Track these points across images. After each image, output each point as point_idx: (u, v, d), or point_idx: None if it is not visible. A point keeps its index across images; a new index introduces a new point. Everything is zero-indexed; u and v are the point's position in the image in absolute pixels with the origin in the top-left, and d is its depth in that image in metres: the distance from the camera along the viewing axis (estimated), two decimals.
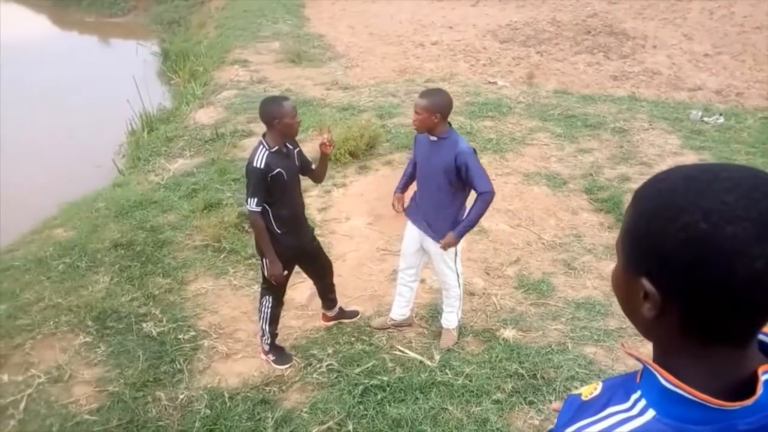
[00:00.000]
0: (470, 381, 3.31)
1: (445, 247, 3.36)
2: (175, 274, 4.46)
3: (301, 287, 4.35)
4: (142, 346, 3.76)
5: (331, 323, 3.96)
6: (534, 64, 9.73)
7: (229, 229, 4.99)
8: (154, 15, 19.37)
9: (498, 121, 7.30)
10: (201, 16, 17.60)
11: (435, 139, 3.27)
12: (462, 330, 3.81)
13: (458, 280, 3.60)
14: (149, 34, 17.27)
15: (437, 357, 3.57)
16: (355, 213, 5.35)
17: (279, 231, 3.25)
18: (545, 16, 12.99)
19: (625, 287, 0.84)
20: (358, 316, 4.01)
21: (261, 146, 3.10)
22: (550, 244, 4.85)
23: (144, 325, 3.94)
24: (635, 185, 5.59)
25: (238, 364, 3.67)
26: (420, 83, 8.97)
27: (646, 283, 0.78)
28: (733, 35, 11.33)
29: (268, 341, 3.61)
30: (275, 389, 3.43)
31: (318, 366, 3.55)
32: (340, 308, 3.97)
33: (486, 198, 3.22)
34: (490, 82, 8.92)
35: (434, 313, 4.03)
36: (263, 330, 3.59)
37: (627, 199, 5.38)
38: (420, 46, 11.34)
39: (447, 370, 3.41)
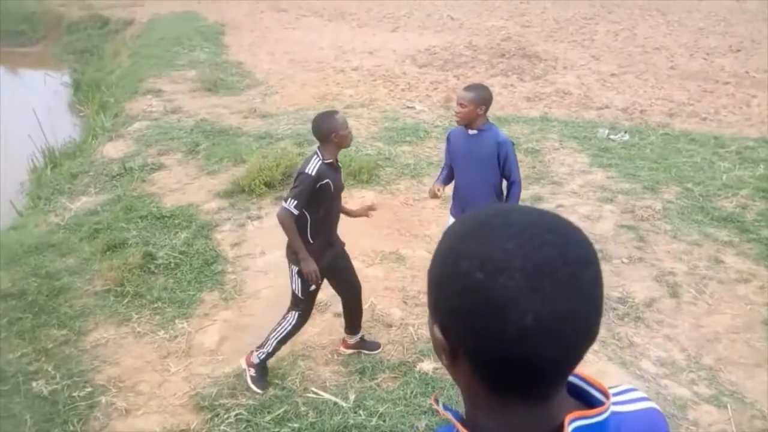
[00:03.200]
0: (384, 421, 3.20)
1: None
2: (72, 324, 4.14)
3: (210, 330, 4.14)
4: (31, 408, 3.43)
5: (350, 351, 3.83)
6: (451, 88, 9.90)
7: (134, 270, 4.70)
8: (65, 44, 18.56)
9: (416, 146, 7.34)
10: (115, 45, 16.99)
11: (475, 132, 3.48)
12: (378, 365, 3.71)
13: None
14: (60, 64, 16.54)
15: (352, 397, 3.44)
16: (271, 246, 5.17)
17: (312, 240, 3.29)
18: (462, 41, 13.33)
19: (431, 331, 0.80)
20: (380, 349, 3.86)
21: (316, 156, 3.22)
22: None
23: (34, 384, 3.61)
24: (547, 205, 5.73)
25: (139, 421, 3.41)
26: (340, 109, 8.92)
27: (437, 330, 0.75)
28: (636, 55, 12.00)
29: (263, 356, 3.50)
30: None
31: (226, 416, 3.34)
32: (362, 337, 3.87)
33: (519, 187, 3.55)
34: (408, 107, 9.00)
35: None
36: (267, 340, 3.49)
37: None
38: (341, 72, 11.34)
39: (361, 411, 3.29)
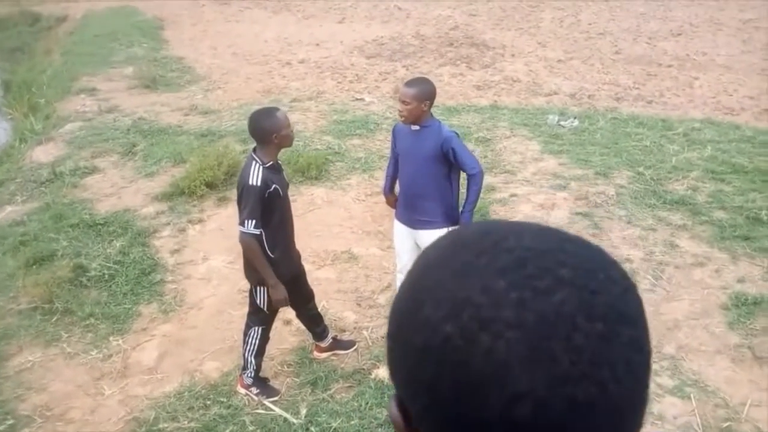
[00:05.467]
0: None
1: None
2: None
3: (148, 346, 3.83)
4: None
5: (326, 355, 3.63)
6: (400, 79, 9.69)
7: (63, 285, 4.32)
8: None
9: (366, 139, 7.11)
10: (47, 43, 16.14)
11: (418, 128, 3.29)
12: (331, 374, 3.48)
13: None
14: None
15: (303, 411, 3.21)
16: (214, 251, 4.87)
17: (272, 255, 3.05)
18: (410, 31, 13.15)
19: (389, 408, 0.55)
20: (354, 347, 3.69)
21: (254, 162, 2.93)
22: None
23: None
24: (500, 195, 5.60)
25: None
26: (286, 103, 8.60)
27: (393, 406, 0.52)
28: (581, 41, 12.07)
29: (252, 374, 3.29)
30: None
31: None
32: (334, 338, 3.66)
33: (477, 178, 3.32)
34: (357, 99, 8.75)
35: (303, 357, 3.67)
36: (247, 361, 3.27)
37: (493, 209, 5.36)
38: (286, 65, 10.99)
39: (312, 427, 3.06)
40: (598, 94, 8.90)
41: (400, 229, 3.58)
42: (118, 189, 6.03)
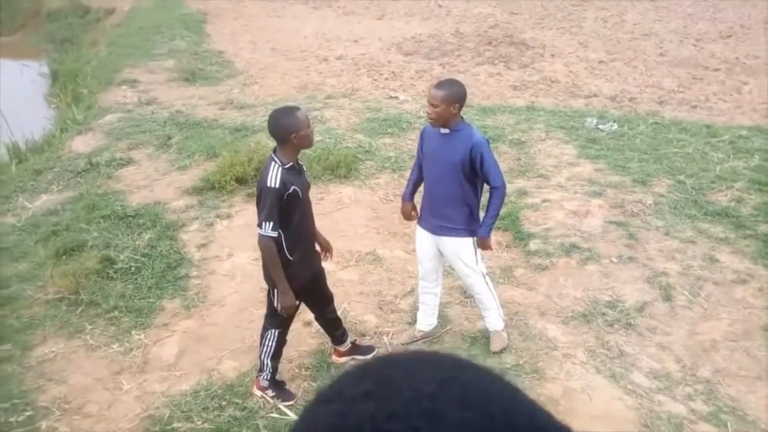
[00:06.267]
0: None
1: (484, 248, 3.36)
2: (17, 338, 3.82)
3: (169, 342, 3.84)
4: None
5: (344, 359, 3.60)
6: (436, 77, 9.56)
7: (90, 276, 4.38)
8: (45, 33, 18.05)
9: (398, 138, 7.01)
10: (95, 34, 16.54)
11: (447, 131, 3.19)
12: None
13: (485, 280, 3.49)
14: (39, 54, 16.06)
15: None
16: (240, 248, 4.86)
17: (291, 258, 3.01)
18: (449, 28, 12.98)
19: None
20: (374, 353, 3.63)
21: (273, 163, 2.89)
22: (446, 270, 4.55)
23: None
24: (532, 200, 5.43)
25: None
26: (321, 99, 8.60)
27: None
28: (625, 42, 11.70)
29: (268, 376, 3.28)
30: None
31: None
32: (353, 342, 3.63)
33: (500, 192, 3.24)
34: (391, 97, 8.67)
35: (321, 361, 3.62)
36: (263, 363, 3.25)
37: (524, 215, 5.20)
38: (324, 61, 10.98)
39: None
40: (640, 97, 8.59)
41: (422, 235, 3.50)
42: (151, 181, 6.09)
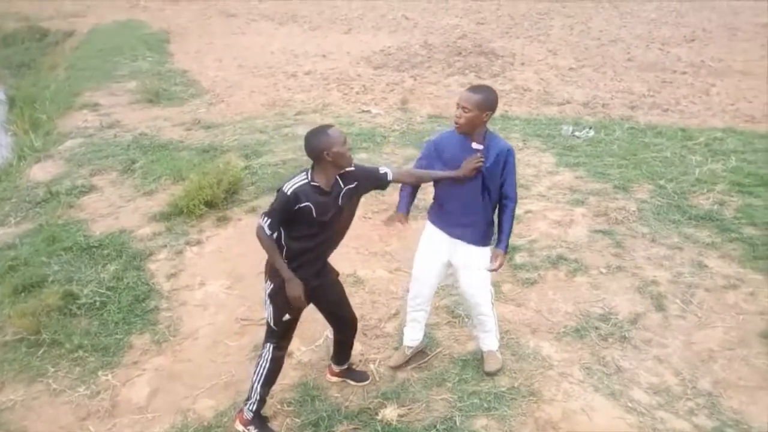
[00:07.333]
0: None
1: (498, 268, 3.11)
2: None
3: (139, 381, 3.56)
4: None
5: (336, 379, 3.50)
6: (408, 89, 9.46)
7: (52, 314, 4.07)
8: (1, 58, 17.49)
9: (373, 153, 6.84)
10: (54, 58, 16.07)
11: (480, 147, 3.02)
12: (335, 414, 3.20)
13: (491, 298, 3.34)
14: None
15: None
16: (212, 275, 4.61)
17: (285, 261, 2.89)
18: (417, 40, 12.95)
19: None
20: (368, 381, 3.48)
21: (302, 174, 2.82)
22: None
23: None
24: (515, 211, 5.30)
25: None
26: (290, 116, 8.40)
27: None
28: (593, 48, 11.80)
29: (253, 407, 3.04)
30: None
31: None
32: (349, 365, 3.52)
33: (513, 206, 3.13)
34: (363, 111, 8.51)
35: (304, 395, 3.38)
36: (252, 389, 3.03)
37: None
38: (292, 77, 10.80)
39: None
40: (612, 102, 8.61)
41: (436, 242, 3.25)
42: (115, 209, 5.80)
